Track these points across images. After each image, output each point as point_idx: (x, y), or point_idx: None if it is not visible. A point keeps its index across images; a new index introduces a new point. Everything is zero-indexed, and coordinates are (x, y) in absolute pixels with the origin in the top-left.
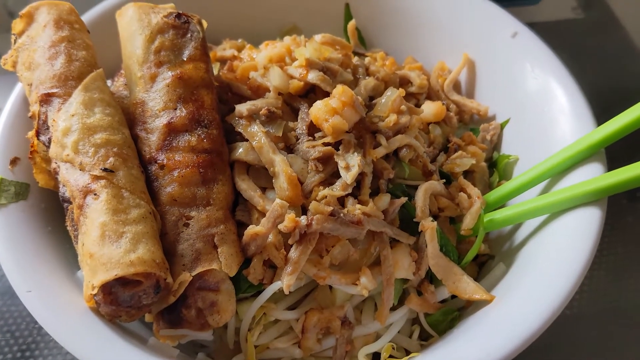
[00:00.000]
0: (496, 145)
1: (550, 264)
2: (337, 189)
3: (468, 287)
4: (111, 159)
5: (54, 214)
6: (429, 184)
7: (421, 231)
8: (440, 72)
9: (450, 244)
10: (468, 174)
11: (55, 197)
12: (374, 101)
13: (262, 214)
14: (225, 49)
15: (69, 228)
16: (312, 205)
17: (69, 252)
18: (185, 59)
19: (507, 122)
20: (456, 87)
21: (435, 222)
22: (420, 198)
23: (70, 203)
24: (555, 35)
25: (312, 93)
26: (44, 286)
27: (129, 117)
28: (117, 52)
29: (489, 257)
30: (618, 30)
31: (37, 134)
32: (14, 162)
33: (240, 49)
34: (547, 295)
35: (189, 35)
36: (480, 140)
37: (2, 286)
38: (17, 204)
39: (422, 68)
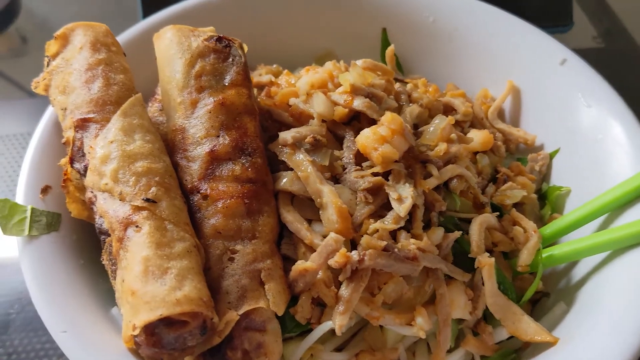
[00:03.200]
0: (545, 176)
1: (617, 306)
2: (389, 222)
3: (529, 328)
4: (153, 189)
5: (86, 246)
6: (483, 217)
7: (477, 268)
8: (484, 100)
9: (508, 281)
10: (517, 206)
11: (87, 228)
12: (420, 129)
13: (309, 248)
14: (261, 75)
15: (105, 262)
16: (364, 240)
17: (101, 287)
18: (227, 84)
19: (556, 152)
20: (500, 115)
21: (493, 259)
22: (476, 232)
23: (108, 235)
24: None
25: (355, 120)
26: (78, 325)
27: (167, 144)
28: (148, 76)
29: (542, 295)
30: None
31: (71, 161)
32: (45, 190)
33: (276, 75)
34: (618, 341)
35: (231, 59)
36: (528, 170)
37: (25, 317)
38: (49, 236)
39: (464, 95)
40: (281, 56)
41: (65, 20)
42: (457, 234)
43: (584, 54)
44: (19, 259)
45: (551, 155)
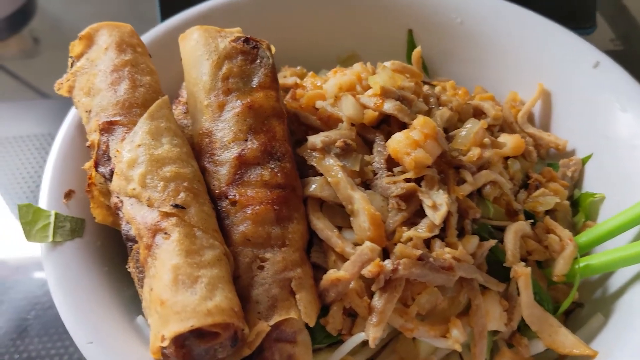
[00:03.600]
0: (577, 182)
1: None
2: (423, 230)
3: (567, 341)
4: (182, 194)
5: (110, 252)
6: (518, 225)
7: (512, 277)
8: (513, 103)
9: (544, 292)
10: (549, 213)
11: (111, 234)
12: (450, 133)
13: (340, 256)
14: (285, 77)
15: (131, 270)
16: (399, 248)
17: (126, 294)
18: (254, 87)
19: (589, 157)
20: (530, 119)
21: (530, 268)
22: (511, 241)
23: (135, 242)
24: None
25: (384, 124)
26: (104, 336)
27: (194, 147)
28: (171, 77)
29: (576, 305)
30: None
31: (96, 165)
32: (68, 195)
33: (300, 77)
34: None
35: (258, 61)
36: (560, 176)
37: (41, 323)
38: (73, 242)
39: (493, 98)
40: (304, 58)
41: (79, 21)
42: (492, 242)
43: None
44: (42, 265)
45: (584, 161)
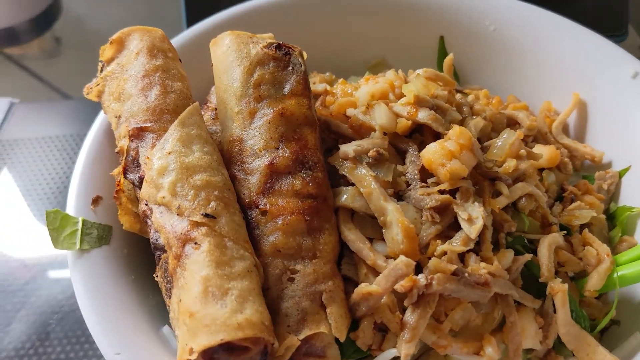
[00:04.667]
0: (613, 195)
1: None
2: (457, 244)
3: None
4: (212, 204)
5: (137, 260)
6: (552, 237)
7: (548, 293)
8: (547, 113)
9: (580, 309)
10: (585, 227)
11: (137, 242)
12: (485, 144)
13: (371, 269)
14: (315, 83)
15: (159, 279)
16: (433, 263)
17: (152, 303)
18: (286, 94)
19: (626, 170)
20: (564, 130)
21: (567, 285)
22: (545, 255)
23: (164, 251)
24: None
25: (417, 133)
26: (131, 347)
27: (223, 155)
28: (199, 83)
29: (612, 323)
30: None
31: (125, 172)
32: (96, 201)
33: (329, 83)
34: None
35: (290, 68)
36: (596, 189)
37: (62, 327)
38: (100, 250)
39: (527, 108)
40: (333, 63)
41: (104, 23)
42: (528, 256)
43: None
44: (68, 271)
45: (620, 174)
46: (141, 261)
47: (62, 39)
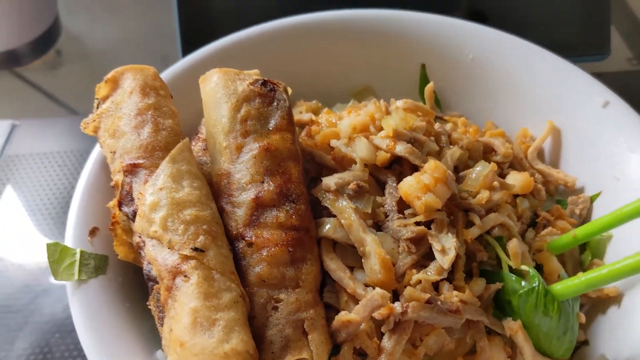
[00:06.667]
0: (585, 219)
1: None
2: (431, 273)
3: None
4: (201, 237)
5: (131, 288)
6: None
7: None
8: (523, 139)
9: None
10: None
11: (131, 270)
12: (460, 173)
13: (352, 296)
14: (301, 112)
15: (152, 308)
16: (408, 292)
17: (145, 328)
18: (271, 129)
19: (597, 195)
20: (539, 155)
21: (519, 323)
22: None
23: (156, 282)
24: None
25: (396, 164)
26: None
27: (212, 187)
28: (191, 113)
29: (581, 344)
30: None
31: (120, 205)
32: (93, 232)
33: (315, 111)
34: None
35: (275, 103)
36: (568, 214)
37: (64, 344)
38: (97, 279)
39: (504, 134)
40: (319, 90)
41: (102, 40)
42: (499, 285)
43: (619, 76)
44: (69, 302)
45: (592, 199)
46: (135, 288)
47: (63, 53)
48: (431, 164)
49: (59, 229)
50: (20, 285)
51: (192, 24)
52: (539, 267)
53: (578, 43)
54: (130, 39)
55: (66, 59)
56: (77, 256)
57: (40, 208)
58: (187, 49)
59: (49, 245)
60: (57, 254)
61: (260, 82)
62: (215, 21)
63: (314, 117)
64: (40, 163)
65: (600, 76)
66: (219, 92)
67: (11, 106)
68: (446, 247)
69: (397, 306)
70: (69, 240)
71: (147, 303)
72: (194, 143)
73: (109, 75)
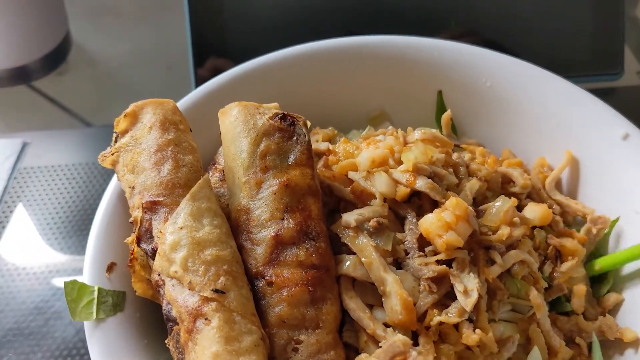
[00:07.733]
0: (598, 242)
1: None
2: (453, 315)
3: None
4: (222, 279)
5: (149, 324)
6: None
7: None
8: (541, 169)
9: None
10: None
11: (149, 306)
12: (480, 207)
13: (371, 337)
14: (318, 141)
15: (171, 348)
16: (424, 340)
17: None
18: (290, 164)
19: (616, 221)
20: (557, 185)
21: None
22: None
23: (175, 323)
24: (622, 102)
25: (415, 197)
26: None
27: (231, 222)
28: (208, 141)
29: None
30: None
31: (138, 242)
32: (110, 268)
33: (331, 139)
34: None
35: (295, 138)
36: (584, 232)
37: None
38: (115, 317)
39: (522, 164)
40: (334, 116)
41: (113, 56)
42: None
43: (631, 91)
44: (87, 342)
45: (612, 224)
46: (153, 325)
47: (72, 65)
48: (452, 202)
49: (70, 247)
50: (32, 307)
51: (204, 40)
52: None
53: (590, 62)
54: (140, 50)
55: (75, 69)
56: (95, 294)
57: (51, 225)
58: (197, 62)
59: (66, 284)
60: (75, 292)
61: (279, 116)
62: (226, 34)
63: (330, 147)
64: (49, 177)
65: (611, 92)
66: (239, 126)
67: (22, 120)
68: (468, 289)
69: (414, 353)
70: (86, 277)
71: (166, 342)
72: (211, 173)
73: (129, 109)
